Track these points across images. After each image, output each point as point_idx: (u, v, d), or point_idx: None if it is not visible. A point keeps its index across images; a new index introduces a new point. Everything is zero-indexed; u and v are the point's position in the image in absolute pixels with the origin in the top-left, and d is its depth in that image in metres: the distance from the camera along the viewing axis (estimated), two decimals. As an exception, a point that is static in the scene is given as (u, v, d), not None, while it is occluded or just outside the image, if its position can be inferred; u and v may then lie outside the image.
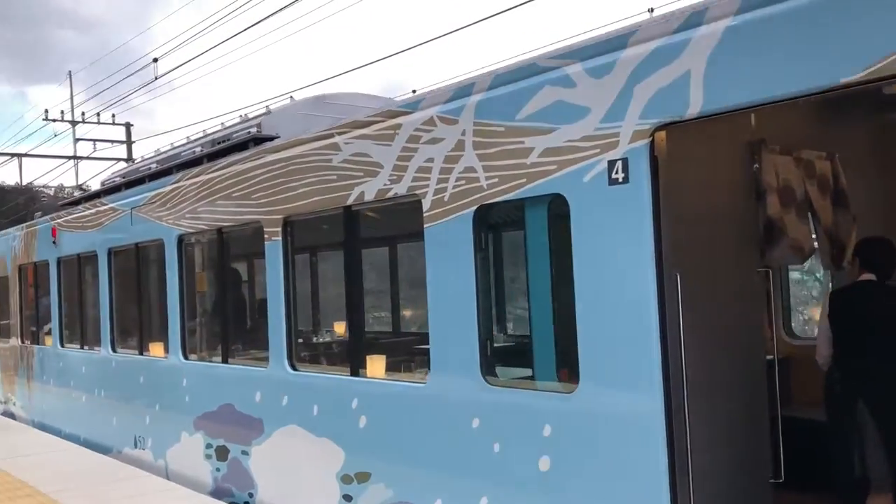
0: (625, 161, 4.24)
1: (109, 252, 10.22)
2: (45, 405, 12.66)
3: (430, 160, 5.45)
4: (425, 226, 5.51)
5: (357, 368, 6.33)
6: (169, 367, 8.77)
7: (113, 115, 32.84)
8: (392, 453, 5.81)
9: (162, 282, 8.85)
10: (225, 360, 7.94)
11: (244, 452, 7.49)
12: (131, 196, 9.74)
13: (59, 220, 11.91)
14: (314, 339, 8.65)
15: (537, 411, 4.73)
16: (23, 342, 13.63)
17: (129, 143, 32.85)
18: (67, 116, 31.93)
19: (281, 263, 7.03)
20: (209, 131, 9.77)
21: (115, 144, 32.51)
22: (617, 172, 4.27)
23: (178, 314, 8.56)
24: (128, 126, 32.97)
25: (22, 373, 13.62)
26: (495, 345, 5.35)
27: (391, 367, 6.76)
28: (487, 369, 5.13)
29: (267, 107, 9.05)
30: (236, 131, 8.67)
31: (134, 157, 29.87)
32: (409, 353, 7.41)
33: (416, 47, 12.61)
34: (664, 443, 4.13)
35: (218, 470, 7.90)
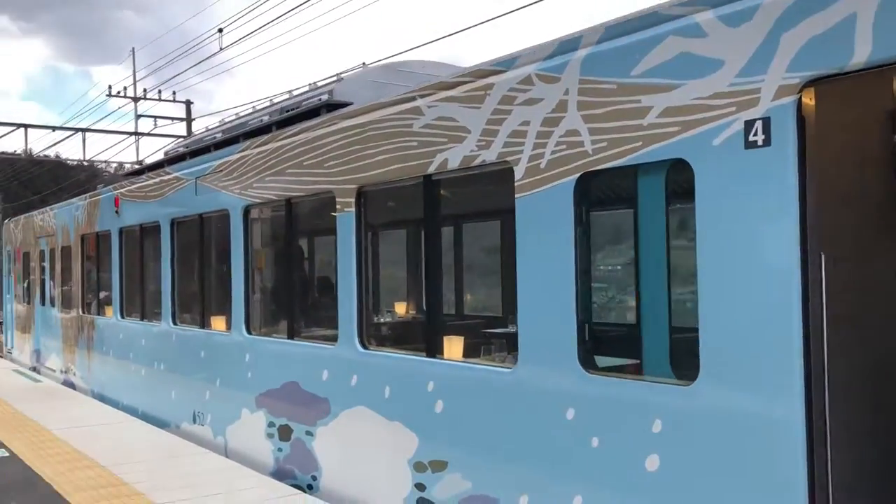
0: (766, 121, 3.68)
1: (172, 223, 9.98)
2: (103, 376, 12.58)
3: (526, 123, 4.95)
4: (517, 196, 5.02)
5: (434, 349, 5.89)
6: (231, 342, 8.48)
7: (174, 93, 33.20)
8: (472, 442, 5.36)
9: (226, 254, 8.54)
10: (291, 337, 7.59)
11: (308, 433, 7.13)
12: (196, 165, 9.46)
13: (121, 190, 11.75)
14: (386, 318, 8.22)
15: (646, 405, 4.21)
16: (83, 312, 13.59)
17: (188, 120, 33.16)
18: (130, 93, 32.35)
19: (353, 235, 6.62)
20: (276, 100, 9.44)
21: (174, 121, 32.90)
22: (756, 134, 3.71)
23: (242, 287, 8.25)
24: (188, 103, 33.27)
25: (82, 343, 13.59)
26: (595, 330, 4.84)
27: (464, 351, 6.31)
28: (585, 357, 4.63)
29: (337, 74, 8.65)
30: (306, 99, 8.29)
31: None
32: (485, 336, 6.94)
33: (481, 24, 12.05)
34: (803, 449, 3.58)
35: (280, 450, 7.58)
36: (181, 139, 25.26)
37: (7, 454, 8.25)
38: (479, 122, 5.30)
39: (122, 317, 11.79)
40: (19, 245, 18.75)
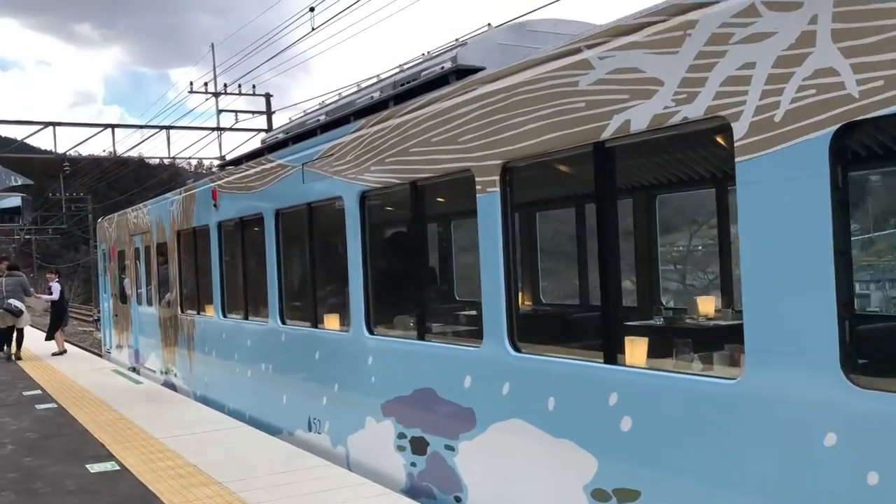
0: None
1: (277, 214, 9.25)
2: (206, 378, 12.06)
3: (749, 66, 3.88)
4: (738, 159, 3.96)
5: (613, 353, 4.89)
6: (350, 343, 7.66)
7: (253, 86, 33.10)
8: (675, 469, 4.34)
9: (341, 245, 7.72)
10: (421, 337, 6.70)
11: (448, 447, 6.24)
12: (301, 150, 8.67)
13: (219, 182, 11.13)
14: (541, 313, 7.26)
15: (962, 430, 3.12)
16: (182, 311, 13.12)
17: (269, 113, 33.01)
18: (210, 89, 32.37)
19: (498, 220, 5.67)
20: (384, 76, 8.57)
21: (255, 115, 32.82)
22: None
23: (361, 282, 7.41)
24: (268, 96, 33.11)
25: (182, 343, 13.12)
26: (860, 329, 3.77)
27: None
28: (850, 364, 3.55)
29: (457, 38, 7.70)
30: (426, 68, 7.36)
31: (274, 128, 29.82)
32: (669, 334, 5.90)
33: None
34: None
35: (413, 465, 6.72)
36: (264, 132, 24.89)
37: (118, 467, 7.67)
38: (677, 71, 4.24)
39: (224, 315, 11.20)
40: (113, 243, 18.59)
